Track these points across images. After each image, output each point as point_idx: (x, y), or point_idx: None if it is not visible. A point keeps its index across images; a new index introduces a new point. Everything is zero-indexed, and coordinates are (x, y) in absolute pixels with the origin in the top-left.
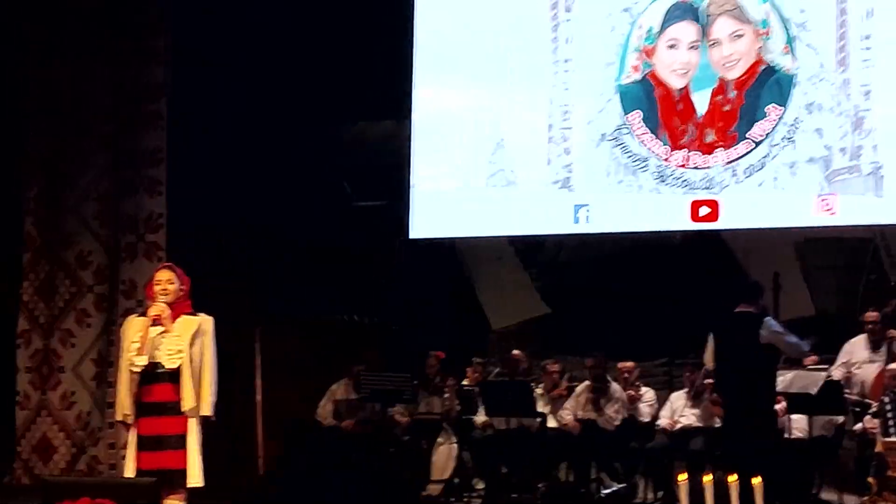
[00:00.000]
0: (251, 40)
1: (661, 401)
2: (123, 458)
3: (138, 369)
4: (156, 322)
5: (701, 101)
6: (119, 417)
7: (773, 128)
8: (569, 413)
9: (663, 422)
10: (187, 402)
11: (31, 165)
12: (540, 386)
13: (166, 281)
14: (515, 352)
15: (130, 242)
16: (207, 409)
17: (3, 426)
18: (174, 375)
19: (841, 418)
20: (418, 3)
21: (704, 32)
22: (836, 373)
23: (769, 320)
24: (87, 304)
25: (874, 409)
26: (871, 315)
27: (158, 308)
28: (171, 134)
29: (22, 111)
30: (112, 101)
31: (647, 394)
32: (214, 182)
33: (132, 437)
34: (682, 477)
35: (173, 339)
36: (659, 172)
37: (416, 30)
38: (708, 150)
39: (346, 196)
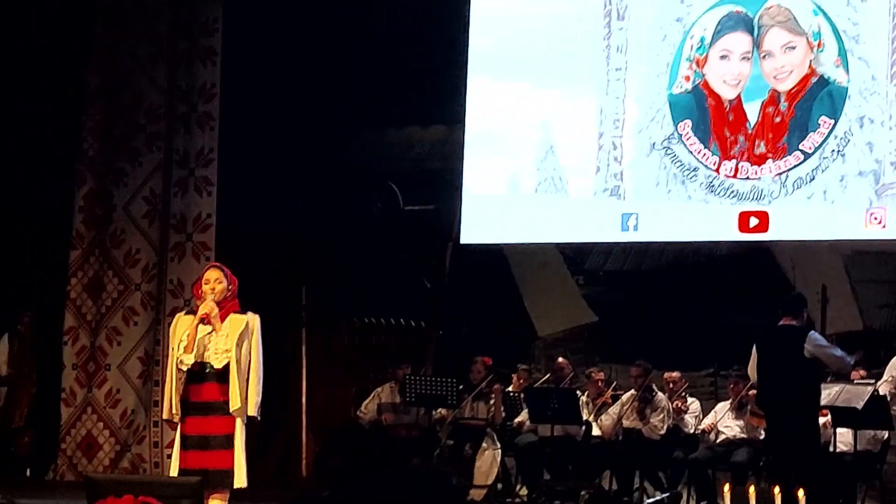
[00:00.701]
0: (303, 42)
1: (706, 412)
2: (168, 456)
3: (186, 368)
4: (204, 321)
5: (752, 112)
6: (165, 416)
7: (824, 140)
8: (609, 419)
9: (704, 425)
10: (234, 403)
11: (82, 163)
12: (585, 394)
13: (215, 280)
14: (560, 359)
15: (179, 242)
16: (253, 410)
17: (49, 423)
18: (221, 375)
19: (886, 433)
20: (473, 10)
21: (757, 43)
22: (883, 388)
23: (813, 334)
24: (134, 302)
25: None
26: None
27: (207, 307)
28: (223, 134)
29: (76, 109)
30: (165, 100)
31: (693, 405)
32: (264, 183)
33: (177, 436)
34: (727, 488)
35: (221, 339)
36: (708, 182)
37: (471, 36)
38: (758, 161)
39: (396, 199)
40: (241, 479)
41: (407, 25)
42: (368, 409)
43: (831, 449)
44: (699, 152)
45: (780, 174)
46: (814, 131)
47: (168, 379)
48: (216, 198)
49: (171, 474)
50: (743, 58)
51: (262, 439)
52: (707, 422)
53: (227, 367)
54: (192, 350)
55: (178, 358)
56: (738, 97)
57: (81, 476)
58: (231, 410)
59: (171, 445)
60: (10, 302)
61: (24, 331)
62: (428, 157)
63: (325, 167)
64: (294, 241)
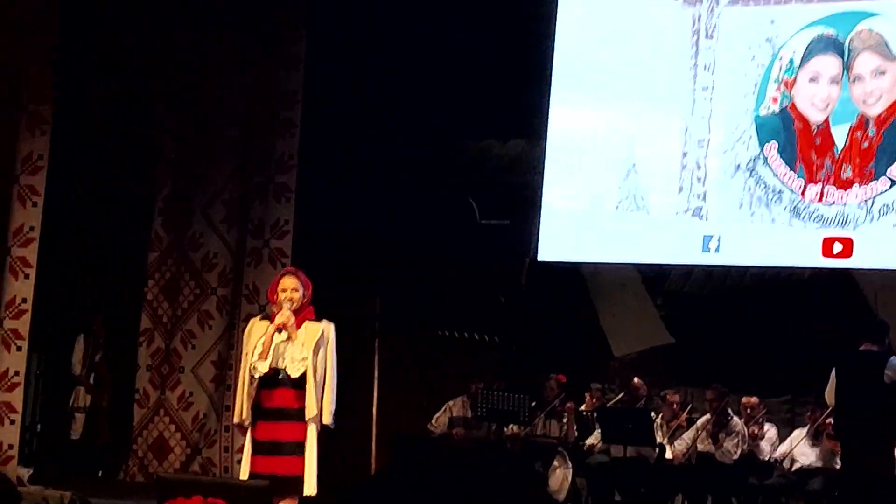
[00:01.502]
0: (385, 52)
1: (783, 438)
2: (238, 461)
3: (259, 375)
4: (280, 329)
5: (839, 136)
6: (236, 421)
7: None
8: (682, 444)
9: (777, 454)
10: (311, 410)
11: (163, 167)
12: (659, 416)
13: (291, 289)
14: (636, 380)
15: (256, 247)
16: (328, 418)
17: (121, 423)
18: (296, 381)
19: None
20: (559, 24)
21: (847, 67)
22: None
23: (894, 360)
24: (209, 306)
25: None
26: None
27: (284, 316)
28: (303, 141)
29: (157, 113)
30: (245, 106)
31: (769, 431)
32: (342, 191)
33: (247, 441)
34: None
35: (297, 347)
36: (793, 206)
37: (556, 50)
38: (844, 186)
39: (472, 213)
40: (311, 487)
41: (490, 38)
42: (439, 422)
43: None
44: (784, 175)
45: (865, 200)
46: None
47: (240, 384)
48: (294, 204)
49: (241, 478)
50: (832, 81)
51: (332, 448)
52: (782, 450)
53: (302, 374)
54: (267, 357)
55: (251, 364)
56: (826, 121)
57: (152, 477)
58: (307, 418)
59: (241, 450)
60: (86, 302)
61: (97, 332)
62: (507, 172)
63: (403, 178)
64: (370, 250)
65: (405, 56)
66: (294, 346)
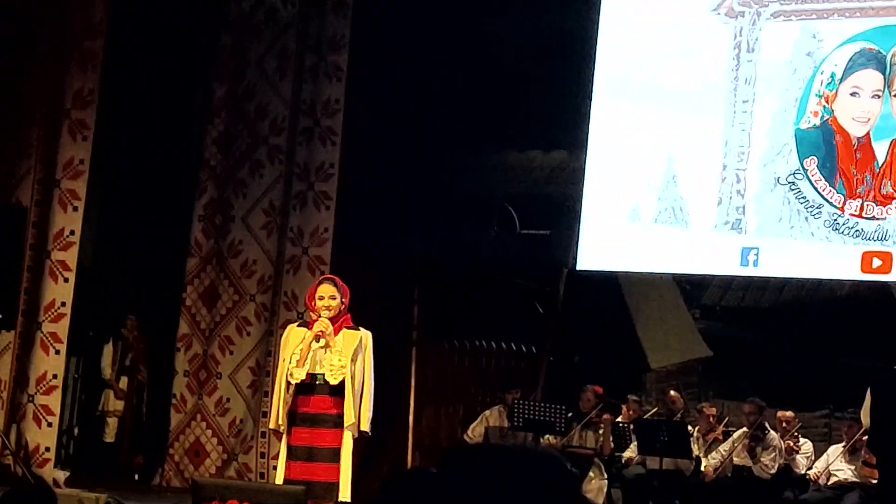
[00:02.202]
0: (428, 62)
1: (819, 453)
2: (273, 467)
3: (296, 381)
4: (318, 338)
5: (880, 151)
6: (272, 426)
7: None
8: (717, 457)
9: (813, 472)
10: (349, 418)
11: (204, 172)
12: (696, 428)
13: (329, 297)
14: (673, 392)
15: (295, 255)
16: (366, 425)
17: (158, 428)
18: (333, 388)
19: None
20: (601, 36)
21: (888, 82)
22: None
23: None
24: (248, 312)
25: None
26: None
27: (322, 324)
28: (344, 150)
29: (201, 119)
30: (289, 113)
31: (805, 445)
32: (382, 200)
33: (283, 446)
34: None
35: (335, 355)
36: (832, 220)
37: (597, 62)
38: (884, 201)
39: (513, 223)
40: (345, 494)
41: (533, 49)
42: (476, 432)
43: None
44: (824, 189)
45: None
46: None
47: (276, 390)
48: (334, 212)
49: (276, 483)
50: (873, 95)
51: (368, 456)
52: (818, 466)
53: (340, 381)
54: (304, 364)
55: (288, 370)
56: (867, 135)
57: (188, 482)
58: (346, 425)
59: (276, 457)
60: (125, 307)
61: (128, 335)
62: (547, 182)
63: (443, 187)
64: (409, 259)
65: (448, 66)
66: (332, 353)
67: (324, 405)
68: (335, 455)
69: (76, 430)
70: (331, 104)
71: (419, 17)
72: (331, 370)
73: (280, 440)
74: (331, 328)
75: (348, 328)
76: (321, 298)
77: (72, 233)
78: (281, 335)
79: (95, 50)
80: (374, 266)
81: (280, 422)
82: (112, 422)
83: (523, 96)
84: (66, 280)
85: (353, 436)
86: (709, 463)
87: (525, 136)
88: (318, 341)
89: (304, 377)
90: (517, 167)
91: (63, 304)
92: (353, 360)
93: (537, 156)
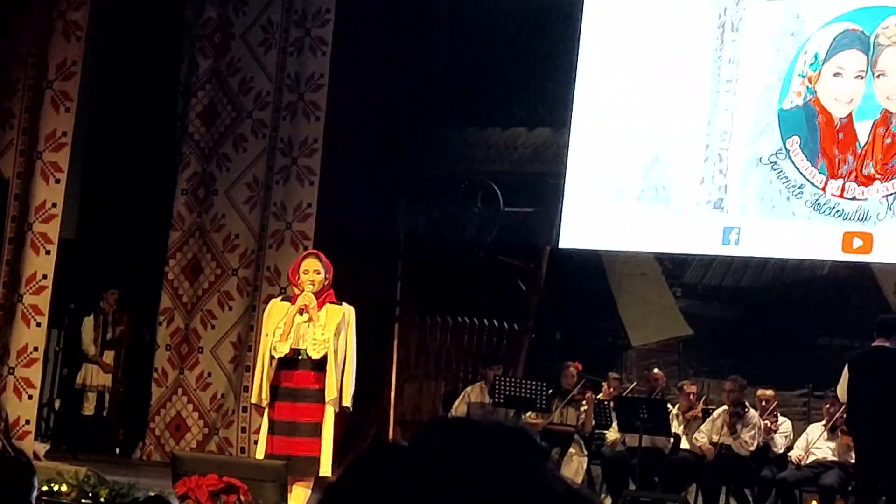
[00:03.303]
0: (413, 37)
1: (798, 432)
2: (255, 442)
3: (279, 356)
4: (302, 312)
5: (862, 132)
6: (254, 400)
7: None
8: (704, 436)
9: (794, 454)
10: (331, 392)
11: (188, 146)
12: (675, 406)
13: (314, 271)
14: (656, 371)
15: (278, 230)
16: (347, 401)
17: (138, 401)
18: (316, 363)
19: None
20: (585, 14)
21: (871, 62)
22: None
23: None
24: (230, 286)
25: None
26: None
27: (306, 298)
28: (328, 125)
29: (185, 92)
30: (273, 88)
31: (784, 425)
32: (366, 176)
33: (265, 421)
34: None
35: (318, 329)
36: (814, 200)
37: (581, 41)
38: (865, 181)
39: (497, 200)
40: (326, 468)
41: (517, 26)
42: (458, 409)
43: None
44: (806, 169)
45: (886, 196)
46: None
47: (259, 364)
48: (318, 188)
49: (258, 458)
50: (856, 76)
51: (350, 431)
52: (799, 446)
53: (323, 356)
54: (288, 339)
55: (272, 345)
56: (850, 116)
57: (168, 456)
58: (327, 400)
59: (258, 431)
60: (106, 280)
61: (108, 309)
62: (531, 160)
63: (427, 164)
64: (392, 235)
65: (432, 42)
66: (315, 327)
67: (306, 380)
68: (316, 429)
69: (57, 404)
70: (315, 79)
71: None
72: (313, 345)
73: (262, 415)
74: (314, 302)
75: (331, 303)
76: (305, 272)
77: (53, 205)
78: (263, 310)
79: (79, 21)
80: (358, 241)
81: (263, 396)
82: (91, 396)
83: (507, 73)
84: (48, 252)
85: (335, 410)
86: (699, 442)
87: (509, 114)
88: (301, 315)
89: (287, 351)
90: (501, 144)
91: (44, 276)
92: (336, 335)
93: (521, 133)
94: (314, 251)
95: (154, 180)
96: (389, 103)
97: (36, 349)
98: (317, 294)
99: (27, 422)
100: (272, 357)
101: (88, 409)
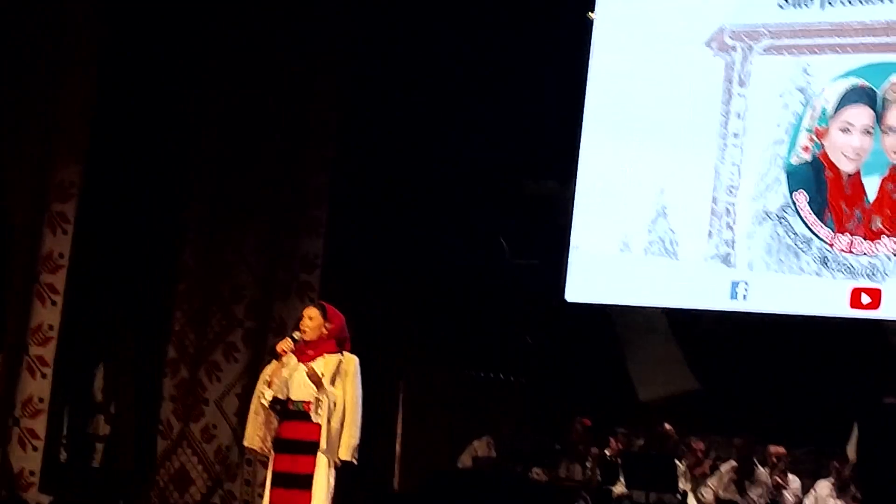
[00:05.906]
0: (419, 90)
1: (805, 489)
2: (259, 495)
3: (266, 402)
4: (279, 356)
5: (871, 187)
6: (246, 444)
7: None
8: (710, 492)
9: None
10: (322, 443)
11: (195, 197)
12: (683, 462)
13: (308, 318)
14: (667, 426)
15: (284, 281)
16: (346, 453)
17: (144, 453)
18: (308, 414)
19: None
20: (592, 67)
21: (879, 118)
22: None
23: None
24: (236, 338)
25: None
26: None
27: (285, 344)
28: (335, 176)
29: (191, 141)
30: (280, 138)
31: (794, 483)
32: (373, 228)
33: (269, 473)
34: None
35: (305, 375)
36: (822, 256)
37: (588, 93)
38: (874, 237)
39: (503, 252)
40: None
41: (524, 80)
42: (464, 462)
43: None
44: (814, 224)
45: (895, 252)
46: None
47: (251, 409)
48: (325, 239)
49: None
50: (864, 132)
51: (356, 485)
52: (806, 502)
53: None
54: (274, 387)
55: (260, 391)
56: (858, 171)
57: None
58: (320, 451)
59: (263, 484)
60: (113, 331)
61: (120, 359)
62: (538, 212)
63: (433, 216)
64: (399, 288)
65: (438, 95)
66: (301, 373)
67: (298, 431)
68: (309, 482)
69: (64, 455)
70: (322, 129)
71: (410, 46)
72: (298, 388)
73: (257, 458)
74: (290, 346)
75: (329, 353)
76: (300, 319)
77: (61, 255)
78: (268, 362)
79: (89, 79)
80: (365, 293)
81: (256, 443)
82: (100, 447)
83: (514, 125)
84: (55, 303)
85: (335, 463)
86: (707, 500)
87: (516, 166)
88: (278, 360)
89: (271, 398)
90: (508, 196)
91: (51, 327)
92: (334, 384)
93: (527, 185)
94: (321, 302)
95: (164, 232)
96: (395, 156)
97: (41, 400)
98: (313, 343)
99: (31, 473)
100: (262, 404)
101: (97, 459)
